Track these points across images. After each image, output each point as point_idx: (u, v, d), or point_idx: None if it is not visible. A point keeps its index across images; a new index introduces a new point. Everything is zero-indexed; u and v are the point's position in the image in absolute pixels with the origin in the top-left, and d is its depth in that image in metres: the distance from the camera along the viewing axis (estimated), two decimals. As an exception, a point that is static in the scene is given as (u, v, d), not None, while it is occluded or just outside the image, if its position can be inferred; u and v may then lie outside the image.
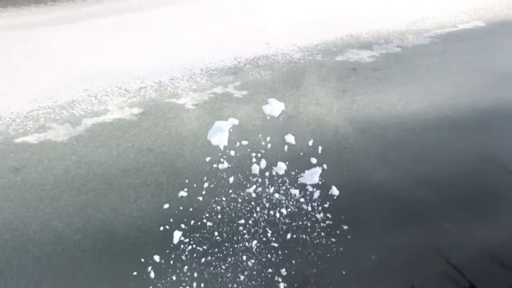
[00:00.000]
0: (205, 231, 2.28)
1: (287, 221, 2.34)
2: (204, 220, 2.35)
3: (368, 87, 3.65)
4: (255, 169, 2.70)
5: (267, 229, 2.28)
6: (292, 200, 2.49)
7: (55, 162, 2.77)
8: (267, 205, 2.44)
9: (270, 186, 2.57)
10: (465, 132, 3.05)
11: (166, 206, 2.43)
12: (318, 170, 2.61)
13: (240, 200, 2.49)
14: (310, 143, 2.95)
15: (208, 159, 2.81)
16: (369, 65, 4.02)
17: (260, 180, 2.64)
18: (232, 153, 2.86)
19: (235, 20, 5.09)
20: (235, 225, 2.32)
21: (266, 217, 2.37)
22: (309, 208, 2.42)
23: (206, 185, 2.58)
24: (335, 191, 2.53)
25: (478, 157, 2.80)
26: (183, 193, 2.51)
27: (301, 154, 2.86)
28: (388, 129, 3.13)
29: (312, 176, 2.59)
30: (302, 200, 2.48)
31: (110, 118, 3.28)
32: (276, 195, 2.51)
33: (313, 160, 2.77)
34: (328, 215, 2.38)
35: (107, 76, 3.91)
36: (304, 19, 5.04)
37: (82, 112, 3.36)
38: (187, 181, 2.62)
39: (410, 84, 3.65)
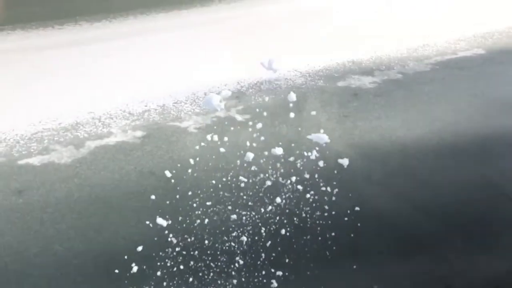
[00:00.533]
0: (208, 253, 2.27)
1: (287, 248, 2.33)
2: (207, 242, 2.34)
3: (370, 113, 3.68)
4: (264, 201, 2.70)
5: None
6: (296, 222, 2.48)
7: (58, 185, 2.78)
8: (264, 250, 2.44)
9: (271, 216, 2.57)
10: (467, 159, 3.06)
11: (168, 230, 2.42)
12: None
13: (243, 230, 2.48)
14: (312, 168, 2.96)
15: (212, 182, 2.81)
16: (370, 91, 4.06)
17: (262, 210, 2.63)
18: (233, 172, 2.87)
19: (238, 45, 5.17)
20: (234, 254, 2.31)
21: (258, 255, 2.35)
22: (309, 235, 2.41)
23: (209, 209, 2.58)
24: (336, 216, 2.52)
25: (480, 184, 2.81)
26: (184, 217, 2.51)
27: (304, 177, 2.86)
28: (390, 155, 3.14)
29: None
30: (301, 224, 2.48)
31: (113, 141, 3.30)
32: (273, 226, 2.51)
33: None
34: (329, 242, 2.37)
35: (111, 98, 3.96)
36: (306, 45, 5.12)
37: (86, 135, 3.38)
38: (189, 205, 2.62)
39: (411, 110, 3.69)
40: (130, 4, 7.06)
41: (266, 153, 3.13)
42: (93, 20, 6.33)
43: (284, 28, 5.66)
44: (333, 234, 2.43)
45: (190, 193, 2.74)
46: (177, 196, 2.70)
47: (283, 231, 2.45)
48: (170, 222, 2.50)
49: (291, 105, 3.78)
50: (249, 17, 6.15)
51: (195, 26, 5.84)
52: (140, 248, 2.30)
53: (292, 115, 3.63)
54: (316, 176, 2.91)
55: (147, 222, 2.48)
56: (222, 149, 3.19)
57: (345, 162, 2.65)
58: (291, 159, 3.07)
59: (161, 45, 5.19)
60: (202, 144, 3.27)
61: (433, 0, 6.66)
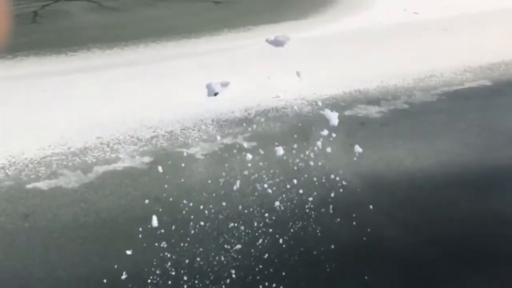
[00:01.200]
0: (215, 282, 2.25)
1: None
2: (212, 268, 2.31)
3: (377, 142, 3.68)
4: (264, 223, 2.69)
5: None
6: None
7: (64, 209, 2.80)
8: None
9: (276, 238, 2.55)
10: (475, 192, 3.03)
11: (173, 257, 2.40)
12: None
13: (245, 259, 2.46)
14: (318, 196, 2.95)
15: (217, 210, 2.81)
16: (377, 120, 4.08)
17: (266, 240, 2.62)
18: (238, 201, 2.86)
19: (246, 73, 5.26)
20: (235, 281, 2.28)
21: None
22: (312, 264, 2.38)
23: (213, 235, 2.57)
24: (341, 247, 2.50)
25: (488, 218, 2.77)
26: (189, 244, 2.50)
27: (310, 206, 2.85)
28: (396, 186, 3.13)
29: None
30: (305, 256, 2.45)
31: (121, 166, 3.33)
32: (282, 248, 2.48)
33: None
34: (332, 272, 2.34)
35: (120, 124, 4.01)
36: (313, 74, 5.19)
37: (94, 160, 3.42)
38: (193, 232, 2.61)
39: (418, 141, 3.69)
40: (142, 32, 7.26)
41: (272, 181, 3.13)
42: (105, 47, 6.50)
43: (292, 57, 5.76)
44: (336, 264, 2.40)
45: (195, 219, 2.73)
46: (182, 223, 2.69)
47: (287, 263, 2.42)
48: (175, 248, 2.48)
49: (298, 133, 3.81)
50: (257, 46, 6.27)
51: (204, 55, 5.96)
52: (145, 275, 2.28)
53: (298, 143, 3.66)
54: (321, 205, 2.89)
55: (153, 250, 2.47)
56: (228, 177, 3.20)
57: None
58: (297, 187, 3.07)
59: (170, 73, 5.29)
60: (209, 170, 3.29)
61: (438, 31, 6.77)
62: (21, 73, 5.38)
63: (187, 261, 2.40)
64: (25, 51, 6.25)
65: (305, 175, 3.22)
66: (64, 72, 5.41)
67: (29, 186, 3.03)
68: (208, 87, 2.62)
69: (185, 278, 2.29)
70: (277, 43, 2.96)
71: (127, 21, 8.11)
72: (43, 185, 3.05)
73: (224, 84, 2.83)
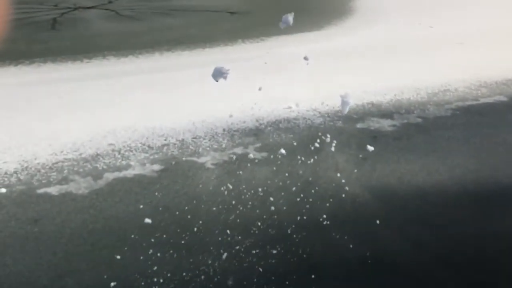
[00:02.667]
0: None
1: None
2: (219, 278, 2.29)
3: (389, 156, 3.64)
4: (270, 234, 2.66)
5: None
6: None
7: (73, 215, 2.81)
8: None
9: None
10: (489, 210, 2.96)
11: (178, 267, 2.39)
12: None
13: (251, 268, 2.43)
14: (328, 210, 2.91)
15: (224, 219, 2.79)
16: (390, 134, 4.04)
17: (274, 251, 2.59)
18: (246, 212, 2.84)
19: (259, 83, 5.25)
20: (247, 293, 2.25)
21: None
22: (319, 280, 2.34)
23: (221, 245, 2.55)
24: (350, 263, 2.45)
25: (502, 237, 2.70)
26: (197, 256, 2.48)
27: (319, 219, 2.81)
28: (408, 201, 3.07)
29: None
30: (312, 269, 2.41)
31: (131, 174, 3.34)
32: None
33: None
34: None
35: (132, 132, 4.04)
36: (326, 85, 5.18)
37: (105, 166, 3.44)
38: (201, 242, 2.59)
39: (431, 155, 3.63)
40: (157, 41, 7.35)
41: (282, 193, 3.11)
42: (120, 55, 6.58)
43: (306, 68, 5.76)
44: (343, 279, 2.36)
45: (203, 229, 2.72)
46: (190, 233, 2.68)
47: (293, 277, 2.39)
48: (183, 256, 2.47)
49: (310, 145, 3.78)
50: (271, 57, 6.29)
51: (217, 64, 5.99)
52: (152, 282, 2.27)
53: (309, 155, 3.63)
54: (330, 218, 2.86)
55: (160, 259, 2.46)
56: (237, 187, 3.19)
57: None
58: (306, 199, 3.04)
59: (183, 81, 5.33)
60: (219, 180, 3.28)
61: (454, 45, 6.71)
62: (38, 79, 5.47)
63: (196, 269, 2.38)
64: (42, 57, 6.37)
65: (315, 188, 3.19)
66: (79, 78, 5.49)
67: (40, 191, 3.05)
68: (216, 70, 2.50)
69: (194, 286, 2.27)
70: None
71: (143, 30, 8.22)
72: (53, 190, 3.07)
73: (224, 72, 2.71)
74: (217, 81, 2.67)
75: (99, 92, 5.01)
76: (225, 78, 2.69)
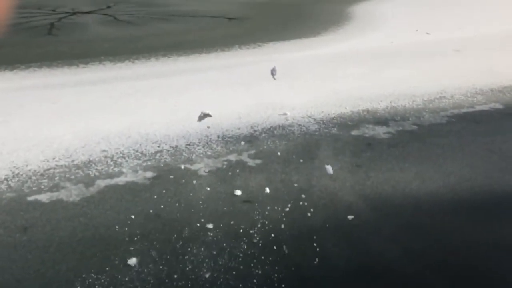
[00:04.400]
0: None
1: None
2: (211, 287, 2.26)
3: (383, 164, 3.62)
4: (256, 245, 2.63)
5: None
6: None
7: (63, 223, 2.78)
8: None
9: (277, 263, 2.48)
10: (483, 219, 2.93)
11: (168, 277, 2.36)
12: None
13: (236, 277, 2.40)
14: (321, 218, 2.88)
15: (216, 227, 2.76)
16: (384, 141, 4.02)
17: (264, 258, 2.56)
18: (239, 219, 2.81)
19: (255, 90, 5.26)
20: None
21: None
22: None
23: (213, 254, 2.52)
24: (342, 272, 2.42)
25: (496, 246, 2.67)
26: (185, 263, 2.45)
27: (312, 227, 2.78)
28: (402, 209, 3.05)
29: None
30: (304, 279, 2.38)
31: (123, 181, 3.31)
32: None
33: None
34: (335, 299, 2.27)
35: (125, 138, 4.02)
36: (322, 92, 5.17)
37: (97, 173, 3.41)
38: (192, 251, 2.56)
39: (425, 163, 3.61)
40: (154, 46, 7.35)
41: (275, 200, 3.08)
42: (117, 60, 6.58)
43: (301, 74, 5.75)
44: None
45: (195, 237, 2.69)
46: (182, 241, 2.65)
47: (283, 283, 2.36)
48: (174, 265, 2.44)
49: (303, 152, 3.77)
50: (267, 63, 6.28)
51: (213, 70, 5.99)
52: (138, 295, 2.24)
53: (303, 162, 3.61)
54: (324, 226, 2.83)
55: (149, 268, 2.43)
56: (231, 194, 3.16)
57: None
58: (300, 207, 3.01)
59: (179, 87, 5.32)
60: (211, 187, 3.25)
61: (450, 52, 6.72)
62: (33, 84, 5.45)
63: (186, 279, 2.35)
64: (38, 62, 6.36)
65: (309, 195, 3.17)
66: (75, 84, 5.48)
67: (30, 198, 3.02)
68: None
69: (180, 299, 2.24)
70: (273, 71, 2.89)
71: (140, 35, 8.22)
72: (44, 197, 3.04)
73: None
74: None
75: (94, 98, 4.99)
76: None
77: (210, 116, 3.36)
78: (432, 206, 3.09)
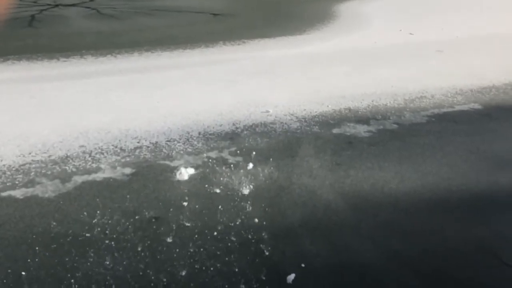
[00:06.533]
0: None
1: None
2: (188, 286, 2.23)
3: (363, 162, 3.64)
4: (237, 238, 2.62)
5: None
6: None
7: (37, 220, 2.72)
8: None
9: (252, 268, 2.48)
10: (459, 218, 2.97)
11: (143, 274, 2.33)
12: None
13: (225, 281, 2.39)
14: (300, 216, 2.89)
15: (196, 226, 2.74)
16: (365, 139, 4.04)
17: (246, 258, 2.55)
18: (218, 217, 2.79)
19: (237, 87, 5.23)
20: None
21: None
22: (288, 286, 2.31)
23: (190, 252, 2.49)
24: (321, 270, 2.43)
25: (472, 245, 2.71)
26: (162, 260, 2.42)
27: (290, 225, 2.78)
28: (380, 208, 3.07)
29: None
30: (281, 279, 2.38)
31: (100, 177, 3.26)
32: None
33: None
34: (311, 297, 2.27)
35: (105, 133, 3.96)
36: (304, 90, 5.17)
37: (74, 169, 3.35)
38: (169, 249, 2.53)
39: (405, 162, 3.64)
40: (137, 41, 7.25)
41: (254, 198, 3.07)
42: (99, 54, 6.48)
43: (285, 72, 5.75)
44: (311, 286, 2.33)
45: (173, 234, 2.66)
46: (159, 238, 2.62)
47: (259, 282, 2.35)
48: (150, 263, 2.41)
49: (284, 150, 3.76)
50: (251, 60, 6.26)
51: (197, 66, 5.94)
52: (112, 293, 2.20)
53: (284, 159, 3.61)
54: (302, 224, 2.83)
55: (124, 265, 2.40)
56: (210, 191, 3.14)
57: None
58: (278, 204, 3.01)
59: (161, 83, 5.26)
60: (191, 184, 3.22)
61: (432, 52, 6.79)
62: (11, 77, 5.33)
63: (163, 275, 2.32)
64: (17, 54, 6.22)
65: (288, 193, 3.16)
66: (54, 78, 5.37)
67: (3, 194, 2.95)
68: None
69: (155, 297, 2.21)
70: None
71: (123, 29, 8.11)
72: (18, 193, 2.97)
73: None
74: None
75: (74, 92, 4.90)
76: None
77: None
78: (409, 206, 3.12)
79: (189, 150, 3.76)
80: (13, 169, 3.28)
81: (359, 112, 4.62)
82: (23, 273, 2.29)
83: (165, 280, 2.33)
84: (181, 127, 4.17)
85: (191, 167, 3.44)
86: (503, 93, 5.25)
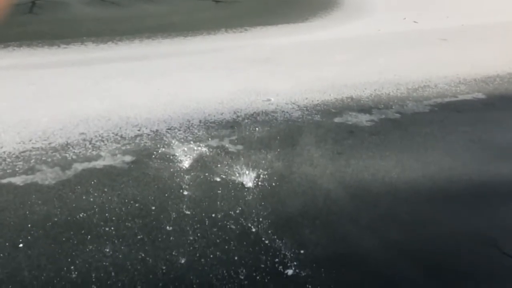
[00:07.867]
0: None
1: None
2: (189, 274, 2.24)
3: (364, 152, 3.62)
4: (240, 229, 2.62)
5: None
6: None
7: (37, 207, 2.72)
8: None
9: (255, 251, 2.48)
10: (460, 208, 2.96)
11: (143, 262, 2.33)
12: None
13: (224, 269, 2.39)
14: (300, 205, 2.88)
15: (197, 215, 2.74)
16: (366, 129, 4.01)
17: (245, 249, 2.55)
18: (219, 206, 2.79)
19: (239, 75, 5.19)
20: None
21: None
22: (288, 277, 2.31)
23: (191, 240, 2.50)
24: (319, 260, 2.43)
25: (471, 236, 2.70)
26: (161, 249, 2.43)
27: (290, 215, 2.78)
28: (380, 197, 3.06)
29: None
30: (280, 267, 2.38)
31: (101, 165, 3.26)
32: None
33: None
34: (309, 286, 2.27)
35: (105, 121, 3.94)
36: (306, 78, 5.13)
37: (74, 156, 3.35)
38: (167, 237, 2.53)
39: (406, 152, 3.62)
40: (138, 28, 7.18)
41: (255, 187, 3.07)
42: (100, 41, 6.42)
43: (287, 60, 5.70)
44: (309, 277, 2.33)
45: (173, 223, 2.66)
46: (159, 227, 2.62)
47: (259, 271, 2.35)
48: (149, 252, 2.41)
49: (285, 139, 3.74)
50: (252, 48, 6.21)
51: (198, 54, 5.89)
52: (113, 279, 2.21)
53: (285, 148, 3.59)
54: (301, 213, 2.83)
55: (124, 253, 2.40)
56: (210, 180, 3.13)
57: None
58: (279, 194, 3.00)
59: (161, 70, 5.22)
60: (191, 173, 3.22)
61: (437, 41, 6.71)
62: (11, 64, 5.30)
63: (163, 265, 2.33)
64: (17, 41, 6.18)
65: (288, 182, 3.16)
66: (55, 64, 5.34)
67: (3, 181, 2.95)
68: None
69: (163, 282, 2.22)
70: None
71: (124, 16, 8.03)
72: (18, 180, 2.97)
73: None
74: None
75: (74, 79, 4.87)
76: None
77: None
78: (410, 195, 3.11)
79: (190, 138, 3.75)
80: (14, 156, 3.28)
81: (361, 101, 4.58)
82: (22, 259, 2.30)
83: (164, 267, 2.33)
84: (181, 115, 4.15)
85: (192, 155, 3.43)
86: (508, 82, 5.19)
